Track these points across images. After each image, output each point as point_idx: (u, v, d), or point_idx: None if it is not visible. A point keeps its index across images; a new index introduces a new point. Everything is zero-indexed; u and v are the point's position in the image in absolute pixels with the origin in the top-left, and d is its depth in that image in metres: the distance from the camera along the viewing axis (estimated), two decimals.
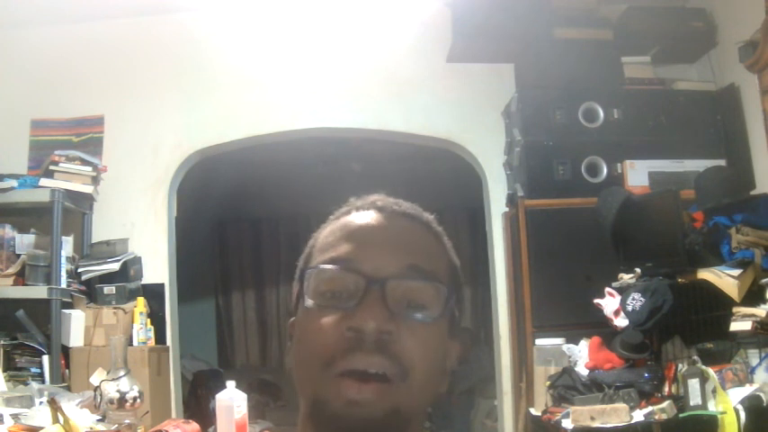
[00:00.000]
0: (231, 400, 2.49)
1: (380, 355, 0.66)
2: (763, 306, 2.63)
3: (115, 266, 3.59)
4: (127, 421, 2.61)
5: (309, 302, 0.71)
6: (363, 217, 0.76)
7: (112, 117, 3.93)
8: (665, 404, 2.67)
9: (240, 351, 7.11)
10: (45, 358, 3.32)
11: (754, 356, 2.78)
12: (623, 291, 3.06)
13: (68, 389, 3.22)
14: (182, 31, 4.00)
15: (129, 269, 3.66)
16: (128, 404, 2.62)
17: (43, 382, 3.23)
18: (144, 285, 3.73)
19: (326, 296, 0.70)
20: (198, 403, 5.08)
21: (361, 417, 0.65)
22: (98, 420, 2.61)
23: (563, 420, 2.81)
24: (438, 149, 4.23)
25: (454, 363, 0.77)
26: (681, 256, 2.94)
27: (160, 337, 3.68)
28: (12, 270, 3.38)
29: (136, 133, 3.94)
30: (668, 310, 2.83)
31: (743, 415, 2.55)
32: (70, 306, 3.52)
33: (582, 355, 3.13)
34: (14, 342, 3.37)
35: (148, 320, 3.59)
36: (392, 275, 0.69)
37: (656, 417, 2.65)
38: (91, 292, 3.59)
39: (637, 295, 2.90)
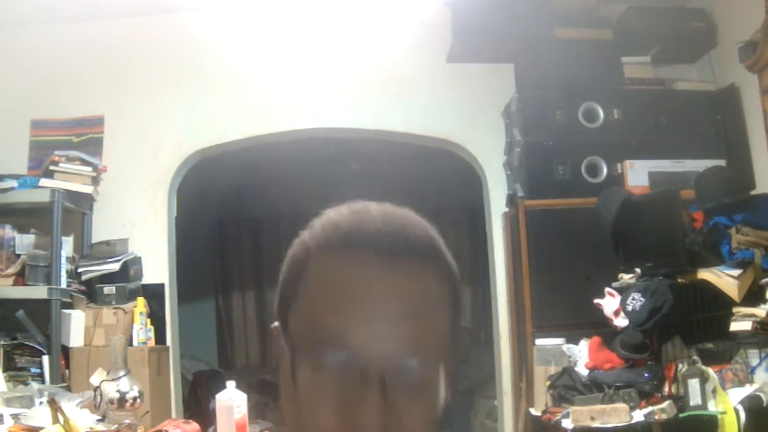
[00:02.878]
0: (231, 400, 2.49)
1: None
2: (763, 306, 2.63)
3: (115, 266, 3.59)
4: (127, 421, 2.62)
5: (306, 379, 0.63)
6: (348, 268, 0.61)
7: (112, 117, 3.93)
8: (665, 404, 2.67)
9: (240, 351, 7.11)
10: (45, 358, 3.32)
11: (754, 356, 2.78)
12: (623, 291, 3.06)
13: (68, 389, 3.22)
14: (182, 31, 4.00)
15: (129, 269, 3.66)
16: (128, 404, 2.62)
17: (43, 382, 3.23)
18: (144, 285, 3.73)
19: (322, 378, 0.62)
20: (198, 403, 5.08)
21: None
22: (98, 420, 2.61)
23: (563, 420, 2.81)
24: (438, 149, 4.23)
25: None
26: (681, 256, 2.94)
27: (160, 337, 3.68)
28: (12, 270, 3.38)
29: (136, 133, 3.94)
30: (668, 310, 2.83)
31: (743, 415, 2.55)
32: (70, 306, 3.52)
33: (582, 355, 3.13)
34: (14, 342, 3.37)
35: (148, 320, 3.59)
36: (392, 366, 0.60)
37: (656, 417, 2.65)
38: (91, 292, 3.60)
39: (637, 295, 2.90)
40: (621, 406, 2.69)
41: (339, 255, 0.62)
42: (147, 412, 3.03)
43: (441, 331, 0.63)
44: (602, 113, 3.59)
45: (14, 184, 3.47)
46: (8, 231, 3.46)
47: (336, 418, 0.61)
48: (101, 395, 2.62)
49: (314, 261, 0.64)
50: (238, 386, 2.58)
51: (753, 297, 2.70)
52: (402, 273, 0.61)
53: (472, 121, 4.00)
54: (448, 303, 0.65)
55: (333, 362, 0.61)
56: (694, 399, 2.67)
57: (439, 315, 0.63)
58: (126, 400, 2.61)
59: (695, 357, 2.84)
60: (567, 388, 2.97)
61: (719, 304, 2.81)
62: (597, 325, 3.16)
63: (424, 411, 0.63)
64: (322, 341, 0.61)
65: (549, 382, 3.08)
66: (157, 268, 3.83)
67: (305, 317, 0.64)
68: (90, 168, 3.63)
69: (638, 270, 3.11)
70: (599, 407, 2.73)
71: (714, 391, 2.66)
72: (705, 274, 2.83)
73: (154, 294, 3.74)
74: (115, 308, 3.52)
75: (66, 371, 3.41)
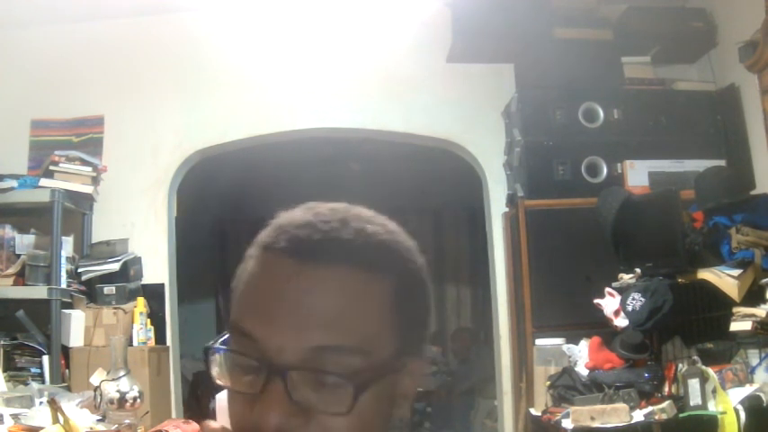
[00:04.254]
0: None
1: None
2: (763, 306, 2.63)
3: (115, 266, 3.59)
4: (127, 421, 2.61)
5: (222, 381, 0.63)
6: (273, 268, 0.61)
7: (112, 117, 3.93)
8: (665, 404, 2.67)
9: None
10: (45, 358, 3.32)
11: (754, 356, 2.78)
12: (623, 291, 3.06)
13: (68, 389, 3.22)
14: (182, 31, 4.00)
15: (129, 269, 3.66)
16: (128, 404, 2.62)
17: (43, 382, 3.23)
18: (144, 285, 3.73)
19: (230, 377, 0.62)
20: (198, 403, 5.08)
21: None
22: (98, 420, 2.61)
23: (563, 420, 2.81)
24: (438, 149, 4.23)
25: (412, 391, 0.66)
26: (681, 256, 2.94)
27: (160, 337, 3.68)
28: (12, 270, 3.38)
29: (136, 133, 3.94)
30: (668, 311, 2.83)
31: (743, 415, 2.55)
32: (70, 306, 3.52)
33: (582, 355, 3.13)
34: (14, 342, 3.37)
35: (148, 320, 3.59)
36: (294, 364, 0.58)
37: (656, 417, 2.65)
38: (91, 292, 3.59)
39: (637, 295, 2.90)
40: (621, 406, 2.69)
41: (263, 249, 0.63)
42: (147, 412, 3.02)
43: (349, 334, 0.60)
44: (602, 113, 3.59)
45: (14, 184, 3.47)
46: (8, 231, 3.46)
47: (242, 413, 0.60)
48: (101, 395, 2.62)
49: (253, 246, 0.65)
50: None
51: (753, 297, 2.70)
52: (307, 277, 0.60)
53: (472, 121, 4.00)
54: (382, 313, 0.62)
55: (240, 354, 0.61)
56: (694, 399, 2.67)
57: (350, 319, 0.60)
58: (126, 400, 2.61)
59: (695, 357, 2.84)
60: (567, 388, 2.97)
61: (719, 304, 2.81)
62: (597, 325, 3.16)
63: (348, 427, 0.60)
64: (237, 324, 0.61)
65: (549, 382, 3.08)
66: (157, 268, 3.83)
67: (235, 301, 0.64)
68: (90, 168, 3.63)
69: (638, 270, 3.11)
70: (599, 407, 2.73)
71: (714, 391, 2.66)
72: (705, 274, 2.83)
73: (154, 294, 3.74)
74: (115, 308, 3.52)
75: (67, 371, 3.41)
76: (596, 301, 3.12)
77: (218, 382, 0.63)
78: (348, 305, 0.60)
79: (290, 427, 0.58)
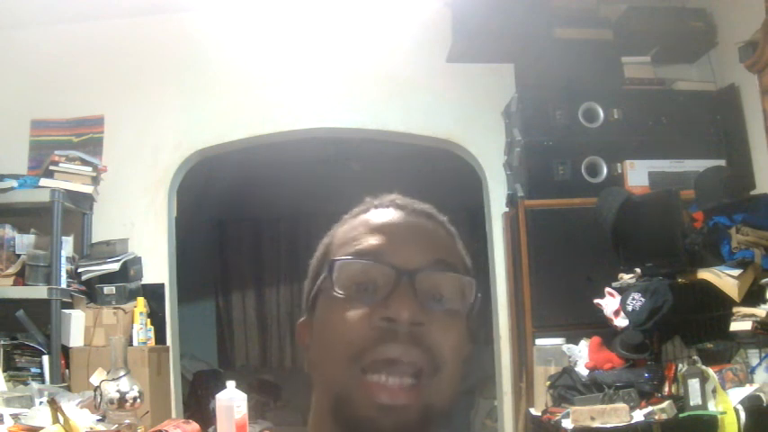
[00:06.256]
0: (231, 400, 2.49)
1: (414, 345, 0.68)
2: (763, 306, 2.63)
3: (115, 266, 3.59)
4: (127, 421, 2.61)
5: (337, 294, 0.71)
6: (384, 214, 0.78)
7: (112, 117, 3.93)
8: (665, 404, 2.67)
9: (240, 351, 7.11)
10: (45, 358, 3.32)
11: (754, 356, 2.78)
12: (623, 291, 3.06)
13: (68, 389, 3.22)
14: (182, 31, 4.00)
15: (129, 269, 3.66)
16: (128, 404, 2.62)
17: (43, 382, 3.23)
18: (144, 285, 3.73)
19: (354, 288, 0.71)
20: (198, 403, 5.08)
21: (393, 421, 0.67)
22: (98, 420, 2.61)
23: (563, 420, 2.80)
24: (438, 149, 4.23)
25: (468, 352, 0.77)
26: (681, 256, 2.94)
27: (160, 337, 3.68)
28: (12, 270, 3.38)
29: (136, 133, 3.94)
30: (668, 311, 2.83)
31: (743, 415, 2.55)
32: (70, 306, 3.52)
33: (582, 355, 3.13)
34: (14, 342, 3.37)
35: (148, 320, 3.59)
36: (421, 267, 0.71)
37: (656, 417, 2.65)
38: (91, 292, 3.59)
39: (637, 295, 2.90)
40: (621, 406, 2.69)
41: (368, 211, 0.79)
42: (147, 412, 3.03)
43: (454, 259, 0.77)
44: (602, 113, 3.59)
45: (14, 184, 3.47)
46: (8, 231, 3.46)
47: (364, 320, 0.68)
48: (101, 395, 2.62)
49: (348, 219, 0.80)
50: (238, 386, 2.58)
51: (753, 297, 2.70)
52: (414, 219, 0.78)
53: (472, 121, 4.00)
54: (456, 249, 0.80)
55: (368, 258, 0.72)
56: (694, 399, 2.67)
57: (450, 250, 0.78)
58: (126, 400, 2.61)
59: (695, 357, 2.84)
60: (567, 388, 2.97)
61: (719, 304, 2.81)
62: (597, 325, 3.16)
63: (456, 333, 0.71)
64: (359, 247, 0.73)
65: (549, 382, 3.08)
66: (157, 268, 3.83)
67: (341, 246, 0.76)
68: (90, 168, 3.63)
69: (638, 270, 3.11)
70: (599, 407, 2.73)
71: (714, 391, 2.66)
72: (705, 274, 2.83)
73: (154, 294, 3.74)
74: (115, 308, 3.52)
75: (67, 371, 3.41)
76: (596, 301, 3.12)
77: (338, 293, 0.71)
78: (447, 242, 0.79)
79: (419, 321, 0.68)
